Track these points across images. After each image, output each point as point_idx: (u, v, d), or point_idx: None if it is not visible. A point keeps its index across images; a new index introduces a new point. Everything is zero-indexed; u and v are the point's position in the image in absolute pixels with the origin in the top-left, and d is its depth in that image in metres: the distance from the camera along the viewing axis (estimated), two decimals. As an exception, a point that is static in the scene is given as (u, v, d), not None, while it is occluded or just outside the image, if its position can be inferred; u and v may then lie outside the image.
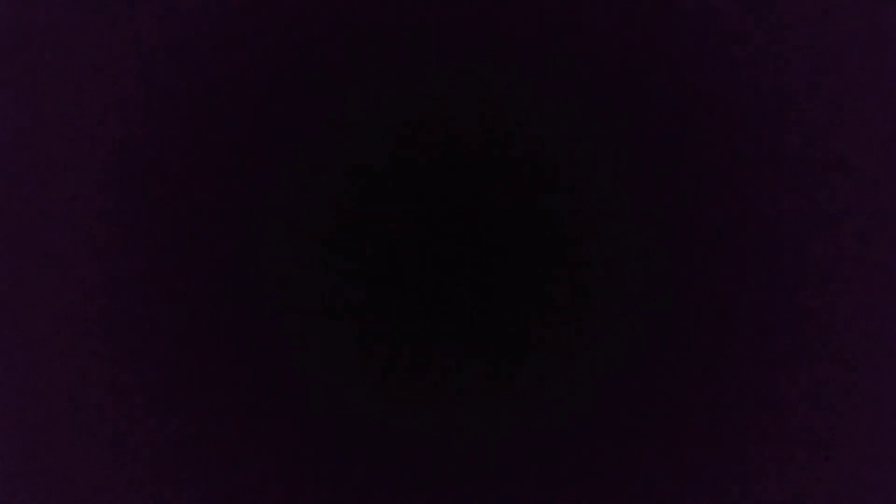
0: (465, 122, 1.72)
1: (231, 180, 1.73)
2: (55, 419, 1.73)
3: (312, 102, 1.73)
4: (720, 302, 1.72)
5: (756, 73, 1.73)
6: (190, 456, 1.71)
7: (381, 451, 1.71)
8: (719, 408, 1.71)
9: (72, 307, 1.73)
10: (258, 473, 1.71)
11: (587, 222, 1.72)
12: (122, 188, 1.74)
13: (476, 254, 1.71)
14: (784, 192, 1.73)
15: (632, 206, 1.72)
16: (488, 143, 1.72)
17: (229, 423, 1.71)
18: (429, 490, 1.71)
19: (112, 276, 1.73)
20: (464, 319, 1.71)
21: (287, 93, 1.73)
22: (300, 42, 1.74)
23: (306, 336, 1.72)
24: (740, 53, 1.73)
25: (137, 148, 1.74)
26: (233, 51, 1.74)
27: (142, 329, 1.72)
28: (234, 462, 1.71)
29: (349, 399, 1.71)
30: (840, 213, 1.73)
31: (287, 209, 1.72)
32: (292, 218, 1.72)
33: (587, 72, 1.72)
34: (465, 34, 1.73)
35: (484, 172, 1.72)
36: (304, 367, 1.72)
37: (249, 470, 1.71)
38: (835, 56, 1.74)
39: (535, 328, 1.71)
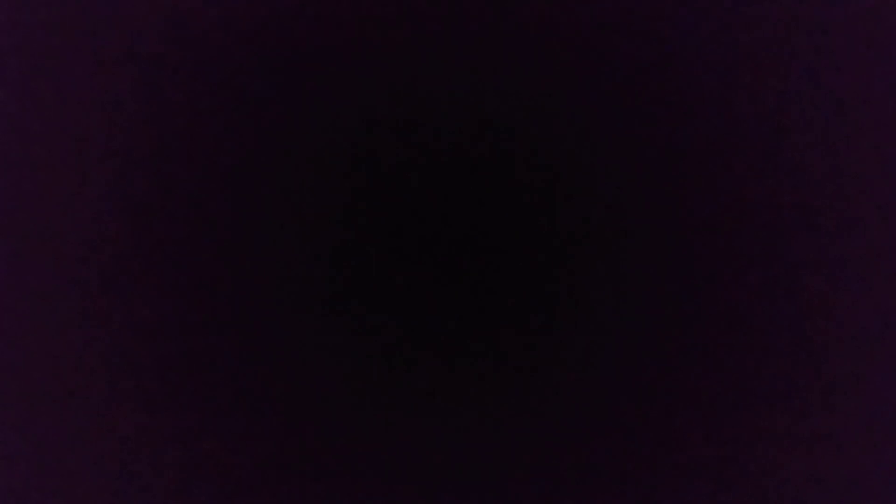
0: (465, 123, 1.72)
1: (231, 180, 1.73)
2: (55, 419, 1.73)
3: (312, 102, 1.73)
4: (720, 303, 1.72)
5: (756, 73, 1.73)
6: (189, 456, 1.72)
7: (380, 452, 1.71)
8: (719, 408, 1.71)
9: (72, 307, 1.73)
10: (258, 473, 1.72)
11: (587, 222, 1.72)
12: (123, 187, 1.74)
13: (476, 254, 1.71)
14: (784, 192, 1.73)
15: (632, 207, 1.72)
16: (488, 143, 1.72)
17: (229, 423, 1.71)
18: (429, 490, 1.71)
19: (113, 275, 1.73)
20: (463, 319, 1.71)
21: (288, 92, 1.73)
22: (301, 41, 1.74)
23: (306, 336, 1.72)
24: (741, 53, 1.73)
25: (138, 147, 1.74)
26: (234, 50, 1.74)
27: (142, 329, 1.72)
28: (233, 462, 1.71)
29: (349, 399, 1.71)
30: (840, 213, 1.73)
31: (287, 209, 1.72)
32: (293, 218, 1.72)
33: (587, 72, 1.72)
34: (465, 34, 1.73)
35: (485, 173, 1.72)
36: (303, 366, 1.72)
37: (249, 470, 1.71)
38: (835, 56, 1.74)
39: (535, 328, 1.71)
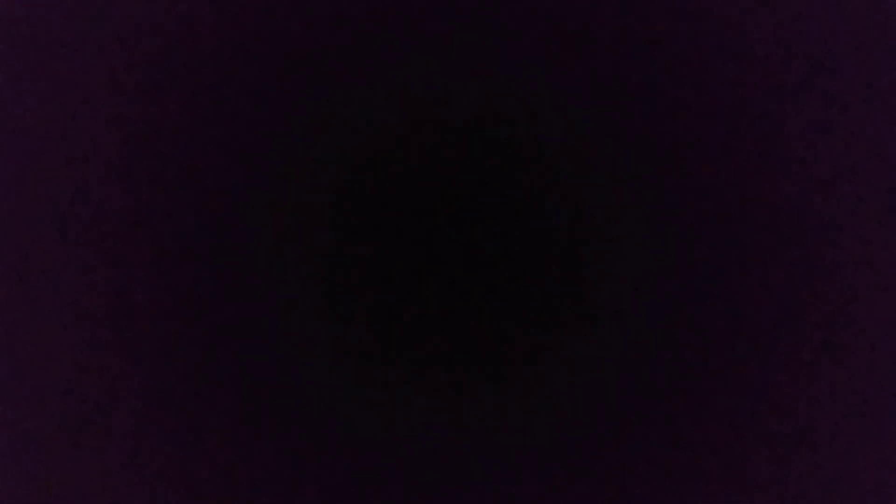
0: (465, 122, 1.72)
1: (232, 180, 1.73)
2: (55, 419, 1.73)
3: (311, 102, 1.73)
4: (720, 304, 1.72)
5: (756, 73, 1.74)
6: (190, 457, 1.72)
7: (379, 453, 1.71)
8: (718, 409, 1.71)
9: (71, 307, 1.74)
10: (258, 474, 1.72)
11: (587, 222, 1.72)
12: (122, 187, 1.74)
13: (476, 253, 1.71)
14: (784, 192, 1.73)
15: (632, 207, 1.72)
16: (488, 142, 1.72)
17: (229, 423, 1.72)
18: (428, 490, 1.71)
19: (113, 275, 1.73)
20: (463, 320, 1.71)
21: (287, 92, 1.74)
22: (300, 41, 1.74)
23: (305, 336, 1.72)
24: (741, 53, 1.74)
25: (138, 147, 1.74)
26: (234, 50, 1.74)
27: (143, 329, 1.72)
28: (234, 462, 1.72)
29: (349, 399, 1.72)
30: (841, 213, 1.73)
31: (287, 209, 1.73)
32: (292, 218, 1.72)
33: (587, 72, 1.73)
34: (465, 33, 1.73)
35: (484, 172, 1.72)
36: (302, 367, 1.72)
37: (249, 471, 1.72)
38: (835, 56, 1.75)
39: (536, 329, 1.71)
